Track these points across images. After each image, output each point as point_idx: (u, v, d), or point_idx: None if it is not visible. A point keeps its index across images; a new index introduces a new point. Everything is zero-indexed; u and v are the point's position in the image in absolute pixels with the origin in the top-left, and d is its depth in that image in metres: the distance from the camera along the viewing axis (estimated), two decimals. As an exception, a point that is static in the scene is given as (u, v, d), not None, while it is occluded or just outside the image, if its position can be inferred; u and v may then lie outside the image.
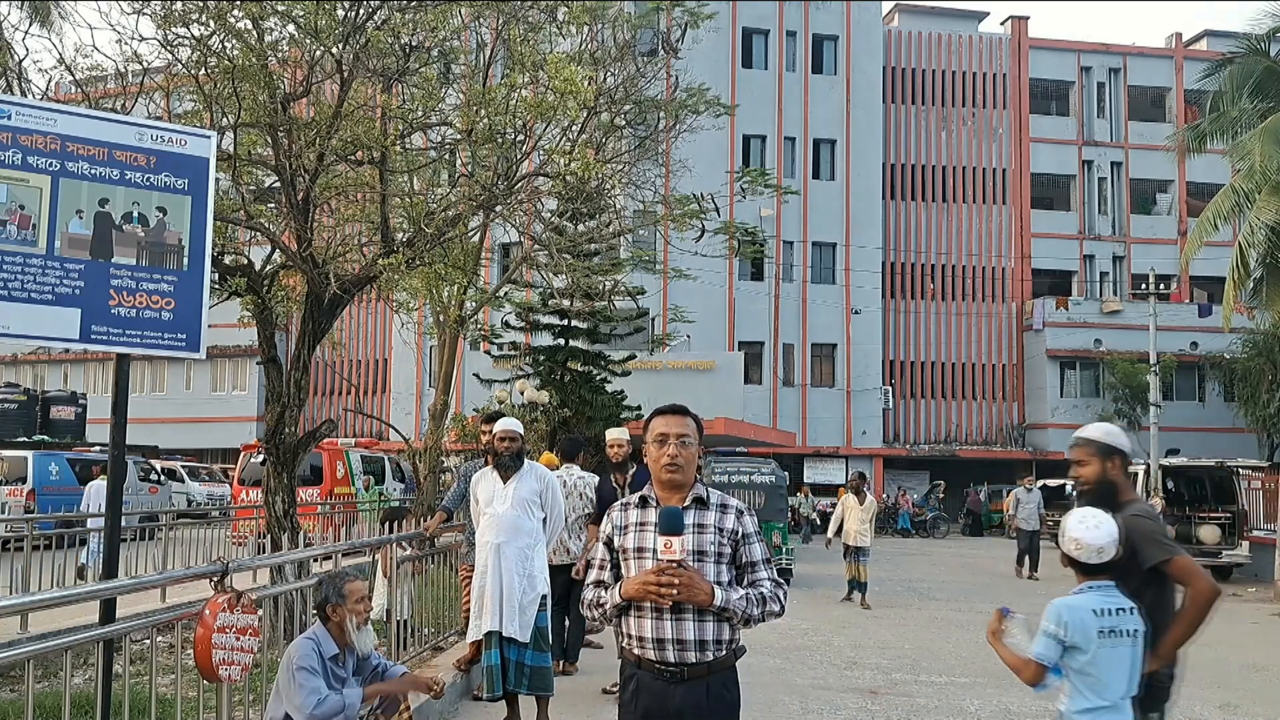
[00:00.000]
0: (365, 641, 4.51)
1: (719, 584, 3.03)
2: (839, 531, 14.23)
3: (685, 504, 3.13)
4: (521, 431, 6.58)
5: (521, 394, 19.13)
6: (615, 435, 8.12)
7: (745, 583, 3.12)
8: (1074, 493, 4.15)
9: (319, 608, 4.47)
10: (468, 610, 7.24)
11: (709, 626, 3.03)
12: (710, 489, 3.21)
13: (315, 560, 6.96)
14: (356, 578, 4.59)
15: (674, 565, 2.97)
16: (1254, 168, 16.46)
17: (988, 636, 3.70)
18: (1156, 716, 3.79)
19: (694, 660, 3.03)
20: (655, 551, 3.03)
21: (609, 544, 3.24)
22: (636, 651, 3.10)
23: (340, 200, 10.82)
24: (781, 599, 3.11)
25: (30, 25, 11.66)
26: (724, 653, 3.07)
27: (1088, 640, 3.39)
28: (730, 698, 3.10)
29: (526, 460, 6.48)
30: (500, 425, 6.44)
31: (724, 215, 17.52)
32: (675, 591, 2.96)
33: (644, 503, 3.20)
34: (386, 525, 7.77)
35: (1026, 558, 18.75)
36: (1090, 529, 3.44)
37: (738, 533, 3.13)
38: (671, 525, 2.99)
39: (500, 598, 6.04)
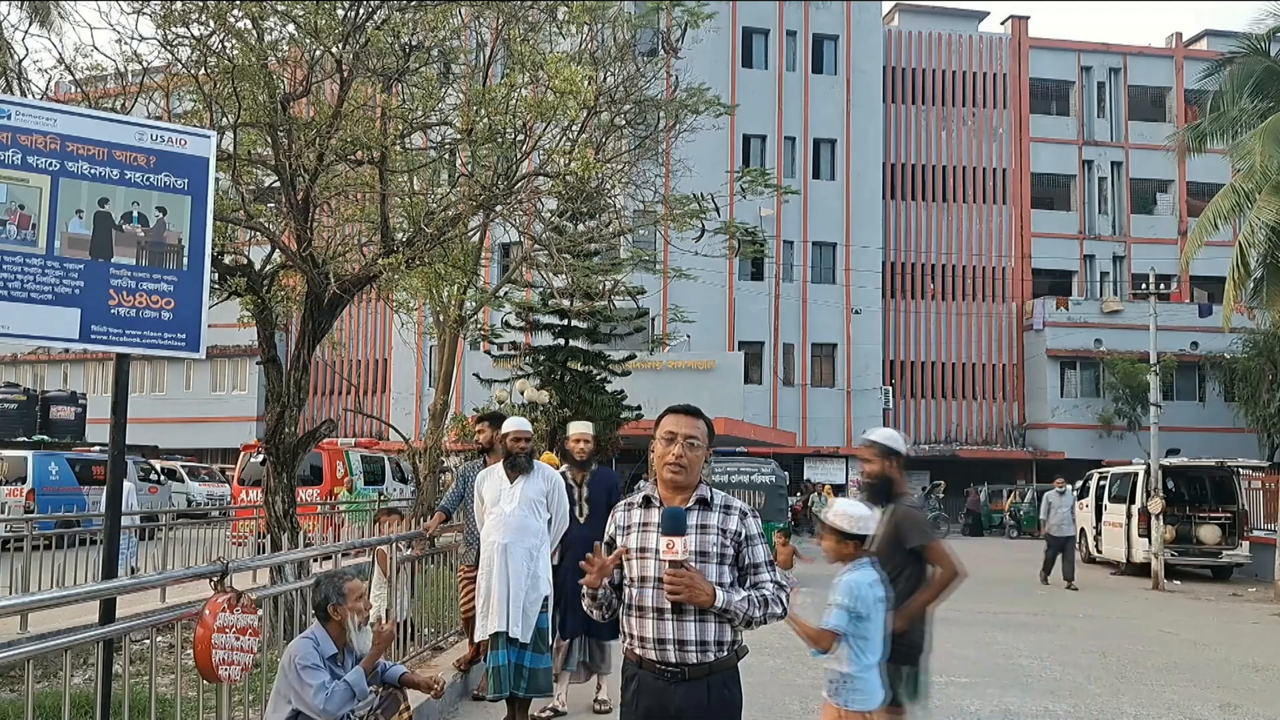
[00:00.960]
0: (364, 641, 4.51)
1: (720, 585, 3.03)
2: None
3: (688, 505, 3.12)
4: (531, 431, 6.53)
5: (521, 394, 19.12)
6: (578, 430, 7.20)
7: (748, 585, 3.11)
8: (859, 483, 5.20)
9: (319, 607, 4.46)
10: (467, 611, 7.21)
11: (710, 627, 3.03)
12: (714, 490, 3.21)
13: (315, 560, 6.96)
14: (355, 577, 4.60)
15: (676, 566, 2.97)
16: (1254, 167, 16.46)
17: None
18: (909, 669, 4.60)
19: (695, 661, 3.03)
20: (657, 551, 3.03)
21: (610, 544, 3.24)
22: (638, 651, 3.10)
23: (340, 200, 10.83)
24: (784, 601, 3.11)
25: (30, 25, 11.65)
26: (725, 653, 3.07)
27: (871, 609, 4.03)
28: (731, 697, 3.10)
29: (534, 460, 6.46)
30: (513, 425, 6.35)
31: (724, 215, 17.50)
32: (678, 592, 2.95)
33: (647, 503, 3.20)
34: (380, 524, 7.76)
35: (1056, 565, 17.39)
36: (852, 505, 4.27)
37: (741, 534, 3.13)
38: (674, 526, 3.00)
39: (508, 598, 6.01)
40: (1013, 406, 41.72)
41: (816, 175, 39.47)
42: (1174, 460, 21.07)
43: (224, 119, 8.16)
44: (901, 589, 4.47)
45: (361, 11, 8.05)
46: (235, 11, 7.99)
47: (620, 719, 3.21)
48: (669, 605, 3.01)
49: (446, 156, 13.11)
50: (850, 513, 4.22)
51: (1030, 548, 27.63)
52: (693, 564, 3.01)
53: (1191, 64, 39.39)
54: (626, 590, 3.15)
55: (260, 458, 16.76)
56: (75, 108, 4.81)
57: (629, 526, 3.20)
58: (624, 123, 12.79)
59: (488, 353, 24.59)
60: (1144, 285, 22.93)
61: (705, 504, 3.15)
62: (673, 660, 3.03)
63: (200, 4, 7.76)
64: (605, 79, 11.95)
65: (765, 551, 3.16)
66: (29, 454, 19.78)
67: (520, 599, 6.01)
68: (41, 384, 38.37)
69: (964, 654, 9.87)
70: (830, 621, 4.02)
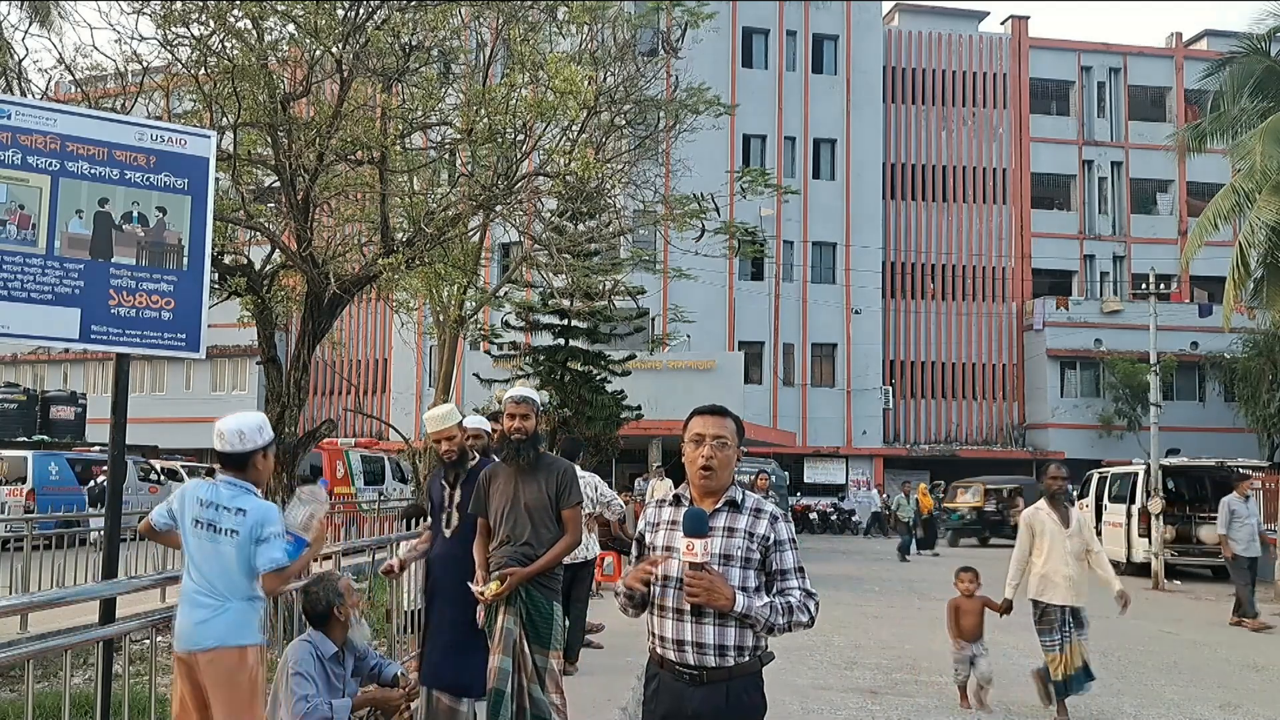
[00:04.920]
0: (363, 633, 4.51)
1: (744, 590, 3.00)
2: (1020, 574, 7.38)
3: (718, 506, 3.10)
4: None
5: (521, 394, 19.08)
6: (434, 425, 5.54)
7: (775, 591, 3.07)
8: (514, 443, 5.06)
9: (321, 614, 4.39)
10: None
11: (730, 632, 3.01)
12: (747, 493, 3.18)
13: (315, 560, 6.95)
14: (343, 576, 4.61)
15: (696, 568, 2.95)
16: (1254, 167, 16.46)
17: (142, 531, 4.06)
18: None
19: (713, 664, 3.01)
20: (682, 552, 3.02)
21: (641, 540, 3.26)
22: (659, 652, 3.10)
23: (340, 200, 10.84)
24: (811, 610, 3.05)
25: (30, 25, 11.64)
26: (746, 658, 3.03)
27: (181, 519, 3.86)
28: (750, 703, 3.06)
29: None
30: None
31: (724, 215, 17.51)
32: (696, 594, 2.94)
33: (677, 501, 3.19)
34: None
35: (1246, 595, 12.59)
36: (237, 419, 3.89)
37: (769, 539, 3.08)
38: (694, 527, 2.98)
39: None
40: (1013, 406, 41.71)
41: (816, 175, 39.46)
42: (1174, 460, 21.06)
43: (224, 119, 8.17)
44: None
45: (361, 11, 8.05)
46: (235, 11, 7.99)
47: (642, 718, 3.21)
48: (688, 606, 3.00)
49: (446, 156, 13.12)
50: (225, 426, 3.86)
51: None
52: (715, 567, 2.99)
53: (1191, 64, 39.39)
54: (652, 588, 3.13)
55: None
56: (75, 108, 4.81)
57: (657, 524, 3.19)
58: (624, 123, 12.80)
59: (488, 353, 24.58)
60: (1144, 285, 22.93)
61: (735, 506, 3.11)
62: (691, 662, 3.01)
63: (200, 4, 7.77)
64: (605, 79, 11.96)
65: (795, 558, 3.10)
66: (29, 454, 19.78)
67: None
68: (41, 384, 38.37)
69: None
70: (152, 514, 3.97)
